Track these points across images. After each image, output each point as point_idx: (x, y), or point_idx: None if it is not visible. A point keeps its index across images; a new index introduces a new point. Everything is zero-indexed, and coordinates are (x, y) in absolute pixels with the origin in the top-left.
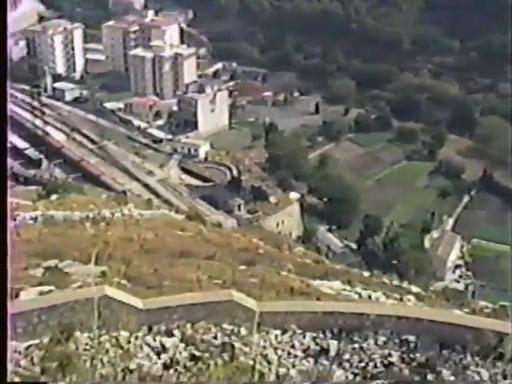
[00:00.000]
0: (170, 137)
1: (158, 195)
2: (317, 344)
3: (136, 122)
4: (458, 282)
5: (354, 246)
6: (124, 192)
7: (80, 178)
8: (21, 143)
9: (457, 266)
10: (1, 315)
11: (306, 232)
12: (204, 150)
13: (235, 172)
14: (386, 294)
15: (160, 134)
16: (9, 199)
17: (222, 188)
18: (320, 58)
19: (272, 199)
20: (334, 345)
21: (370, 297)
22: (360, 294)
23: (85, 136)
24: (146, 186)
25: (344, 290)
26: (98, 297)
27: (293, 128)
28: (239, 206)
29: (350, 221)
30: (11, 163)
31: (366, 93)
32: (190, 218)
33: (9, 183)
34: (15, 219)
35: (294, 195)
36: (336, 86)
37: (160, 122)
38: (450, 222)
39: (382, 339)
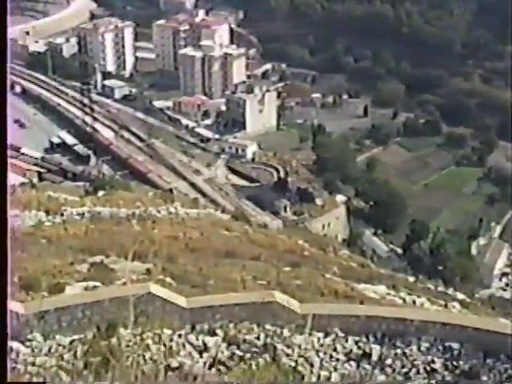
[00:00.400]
0: (217, 136)
1: (204, 194)
2: (359, 348)
3: (184, 121)
4: (505, 290)
5: (400, 250)
6: (171, 190)
7: (127, 175)
8: (70, 139)
9: (504, 274)
10: (1, 315)
11: (352, 235)
12: (251, 150)
13: (282, 173)
14: (430, 299)
15: (208, 134)
16: (57, 194)
17: (268, 189)
18: (370, 61)
19: (318, 201)
20: (376, 349)
21: (414, 302)
22: (404, 299)
23: (133, 134)
24: (193, 184)
25: (388, 294)
26: (138, 294)
27: (341, 130)
28: (285, 208)
29: (396, 225)
30: (60, 159)
31: (416, 97)
32: (235, 218)
33: (57, 178)
34: (62, 214)
35: (340, 198)
36: (385, 89)
37: (208, 122)
38: (498, 229)
39: (425, 345)
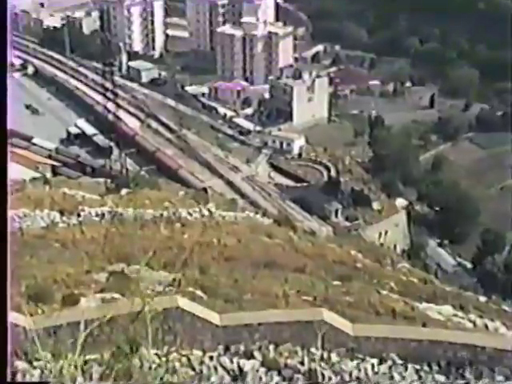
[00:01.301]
0: (259, 128)
1: (243, 195)
2: (420, 378)
3: (221, 110)
4: None
5: (470, 265)
6: (205, 189)
7: (154, 172)
8: (89, 129)
9: None
10: (1, 314)
11: (413, 246)
12: (298, 144)
13: (333, 172)
14: (505, 324)
15: (248, 125)
16: (73, 192)
17: (317, 190)
18: (438, 43)
19: (375, 205)
20: (440, 380)
21: (486, 326)
22: (474, 323)
23: (162, 123)
24: (230, 183)
25: (455, 316)
26: (160, 309)
27: (402, 124)
28: (336, 212)
29: (465, 235)
30: (77, 151)
31: (492, 85)
32: (278, 224)
33: (74, 173)
34: (79, 215)
35: (400, 202)
36: (456, 75)
37: (248, 111)
38: None
39: (499, 378)
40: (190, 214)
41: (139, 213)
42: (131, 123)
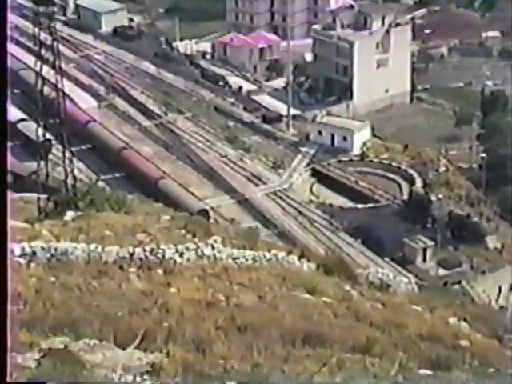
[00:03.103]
0: (295, 111)
1: (267, 222)
2: None
3: (233, 81)
4: None
5: None
6: (205, 212)
7: (121, 182)
8: (12, 111)
9: None
10: (1, 314)
11: None
12: (361, 138)
13: (419, 184)
14: None
15: (277, 105)
16: None
17: (391, 215)
18: None
19: (490, 241)
20: None
21: None
22: None
23: (134, 102)
24: (247, 203)
25: None
26: None
27: None
28: (424, 252)
29: None
30: None
31: None
32: (326, 270)
33: None
34: None
35: None
36: None
37: (279, 83)
38: None
39: None
40: (181, 254)
41: (95, 251)
42: (83, 102)
